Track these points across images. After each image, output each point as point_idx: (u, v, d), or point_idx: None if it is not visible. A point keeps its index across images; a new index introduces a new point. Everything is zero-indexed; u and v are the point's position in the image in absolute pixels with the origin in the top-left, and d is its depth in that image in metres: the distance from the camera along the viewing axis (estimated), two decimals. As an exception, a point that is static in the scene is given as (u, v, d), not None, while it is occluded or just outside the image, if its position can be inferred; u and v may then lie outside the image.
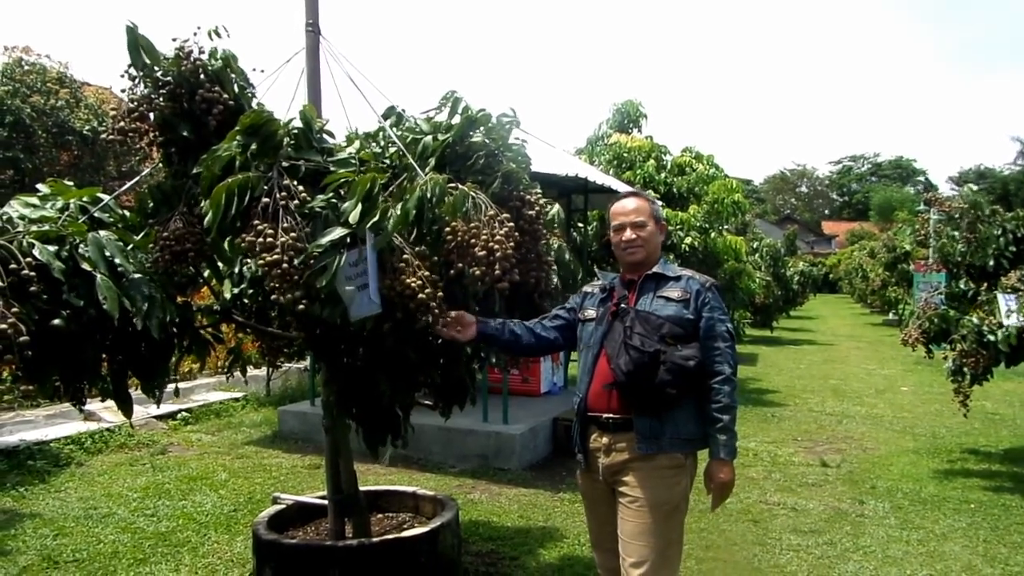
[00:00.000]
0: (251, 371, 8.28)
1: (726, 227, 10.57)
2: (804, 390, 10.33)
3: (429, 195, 2.46)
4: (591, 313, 2.76)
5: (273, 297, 2.31)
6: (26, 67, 12.18)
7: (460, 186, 2.52)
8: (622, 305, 2.64)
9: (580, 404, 2.70)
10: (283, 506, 3.87)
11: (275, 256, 2.25)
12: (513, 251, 2.43)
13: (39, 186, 2.76)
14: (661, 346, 2.48)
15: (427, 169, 2.76)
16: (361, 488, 3.59)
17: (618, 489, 2.60)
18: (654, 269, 2.70)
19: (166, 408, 7.64)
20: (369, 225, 2.33)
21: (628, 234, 2.70)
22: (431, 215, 2.49)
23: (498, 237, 2.39)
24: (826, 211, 71.08)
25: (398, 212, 2.41)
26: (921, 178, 66.06)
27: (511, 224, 2.48)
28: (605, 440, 2.62)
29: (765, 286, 16.50)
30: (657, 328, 2.52)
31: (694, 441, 2.59)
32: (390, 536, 3.46)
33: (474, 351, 3.11)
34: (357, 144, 2.89)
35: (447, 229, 2.46)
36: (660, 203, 2.84)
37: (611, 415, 2.60)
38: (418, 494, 4.11)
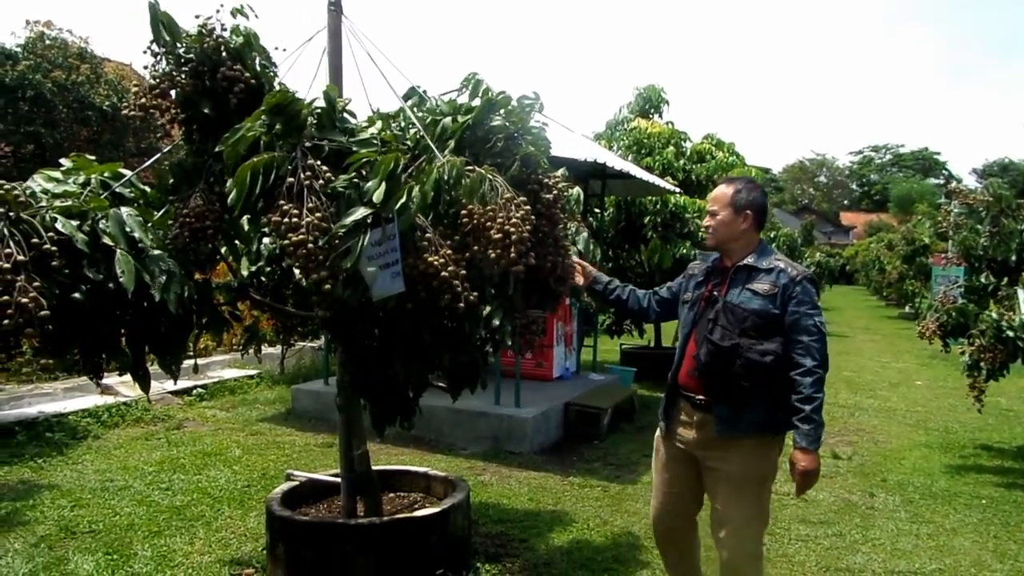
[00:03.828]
0: (266, 349, 8.34)
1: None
2: (817, 381, 10.25)
3: (446, 177, 2.46)
4: (688, 296, 2.94)
5: (299, 276, 2.32)
6: (48, 42, 12.22)
7: (477, 168, 2.51)
8: (714, 293, 2.80)
9: (671, 379, 2.92)
10: (296, 483, 3.91)
11: (300, 236, 2.25)
12: (529, 234, 2.43)
13: (62, 160, 2.78)
14: (741, 340, 2.62)
15: (446, 151, 2.75)
16: (374, 467, 3.62)
17: (707, 464, 2.80)
18: (747, 260, 2.77)
19: (182, 384, 7.71)
20: (398, 207, 2.33)
21: (706, 220, 2.87)
22: (448, 197, 2.49)
23: (514, 220, 2.38)
24: (845, 202, 70.37)
25: (417, 193, 2.41)
26: (943, 171, 65.20)
27: (527, 207, 2.47)
28: (696, 417, 2.81)
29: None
30: (741, 321, 2.65)
31: (772, 426, 2.73)
32: (402, 515, 3.50)
33: (489, 334, 3.11)
34: (379, 124, 2.88)
35: (463, 212, 2.46)
36: (749, 190, 2.83)
37: (701, 396, 2.79)
38: (430, 475, 4.14)
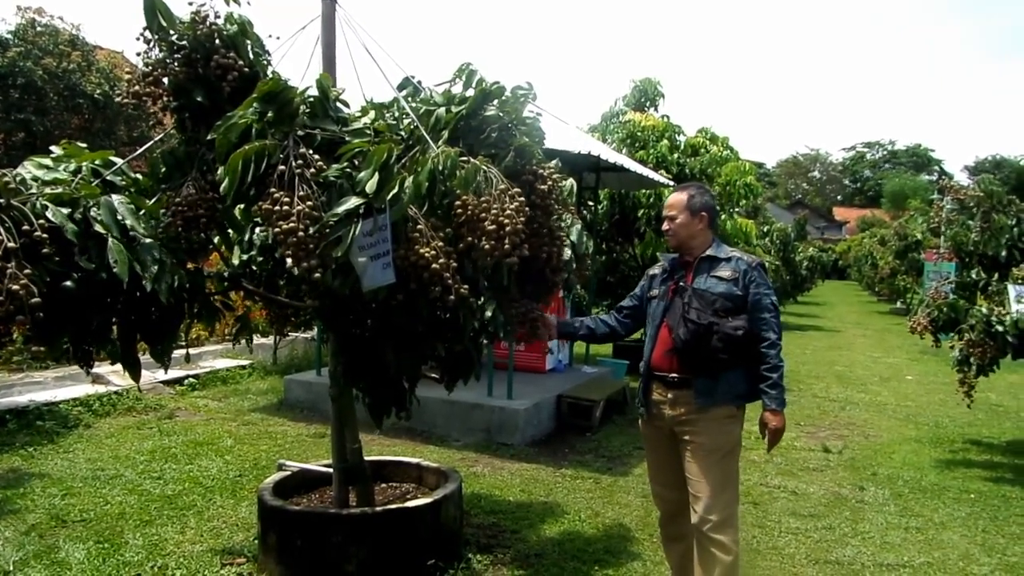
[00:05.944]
0: (258, 340, 8.32)
1: (737, 209, 10.50)
2: (808, 375, 10.33)
3: (441, 168, 2.45)
4: (656, 292, 3.22)
5: (289, 265, 2.31)
6: (39, 28, 12.13)
7: (472, 160, 2.50)
8: (681, 283, 3.09)
9: (645, 365, 3.17)
10: (288, 473, 3.91)
11: (291, 224, 2.24)
12: (523, 226, 2.43)
13: (52, 148, 2.76)
14: (715, 319, 2.93)
15: (440, 142, 2.74)
16: (366, 458, 3.62)
17: (682, 437, 3.04)
18: (707, 252, 3.09)
19: (173, 373, 7.70)
20: (390, 197, 2.33)
21: (665, 224, 3.16)
22: (442, 188, 2.49)
23: (508, 212, 2.39)
24: (838, 197, 70.53)
25: (411, 184, 2.41)
26: (936, 167, 65.35)
27: (522, 199, 2.47)
28: (670, 395, 3.06)
29: (774, 270, 16.44)
30: (711, 303, 2.96)
31: (744, 396, 3.03)
32: (394, 506, 3.51)
33: (481, 325, 3.12)
34: (372, 114, 2.87)
35: (457, 203, 2.45)
36: (700, 194, 3.13)
37: (674, 374, 3.05)
38: (422, 465, 4.15)
